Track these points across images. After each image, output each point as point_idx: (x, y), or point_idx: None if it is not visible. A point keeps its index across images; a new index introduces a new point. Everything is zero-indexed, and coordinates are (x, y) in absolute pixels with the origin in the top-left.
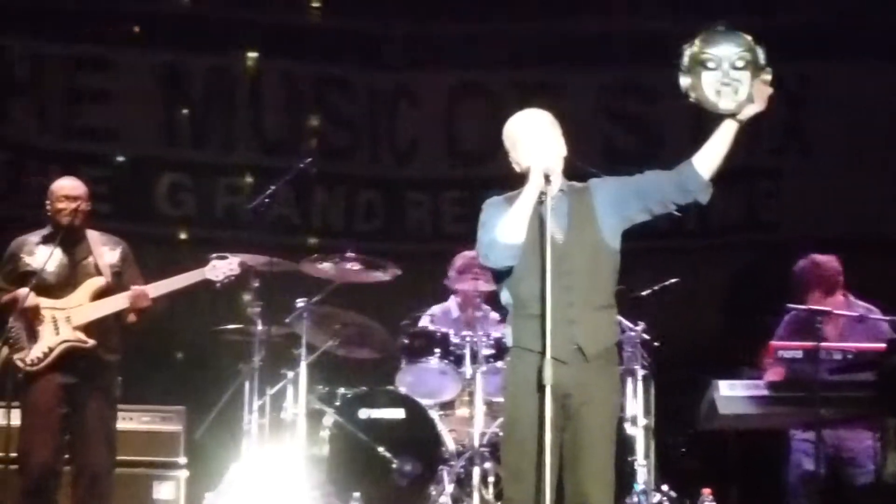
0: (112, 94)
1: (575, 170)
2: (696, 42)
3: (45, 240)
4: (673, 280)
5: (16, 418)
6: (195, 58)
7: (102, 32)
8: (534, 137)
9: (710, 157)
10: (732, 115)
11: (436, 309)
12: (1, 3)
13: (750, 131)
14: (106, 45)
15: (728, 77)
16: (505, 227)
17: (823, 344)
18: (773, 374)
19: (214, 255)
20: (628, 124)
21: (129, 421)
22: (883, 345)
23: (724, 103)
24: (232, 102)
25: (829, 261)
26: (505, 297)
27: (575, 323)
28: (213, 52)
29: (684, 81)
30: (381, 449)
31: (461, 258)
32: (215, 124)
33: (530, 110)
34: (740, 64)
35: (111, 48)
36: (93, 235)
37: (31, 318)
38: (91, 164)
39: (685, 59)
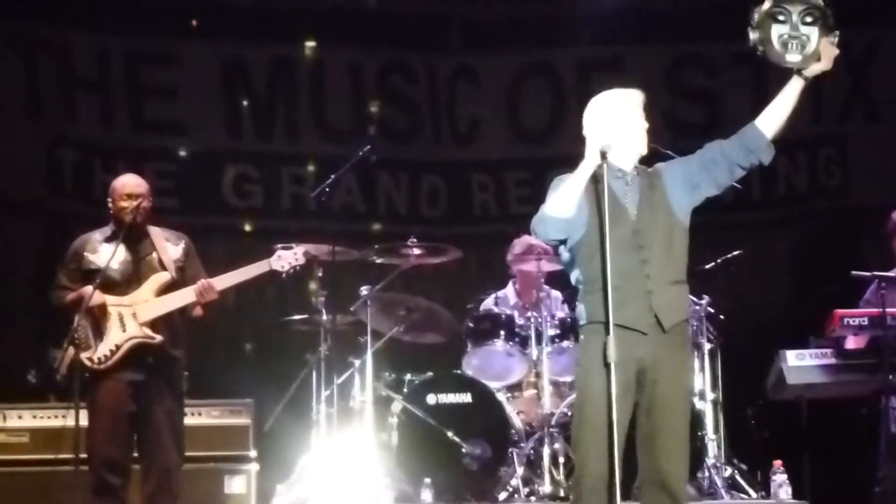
0: (177, 88)
1: (651, 150)
2: (767, 1)
3: (108, 238)
4: (736, 252)
5: (83, 419)
6: (258, 49)
7: (166, 26)
8: (609, 116)
9: (774, 117)
10: (798, 72)
11: (499, 293)
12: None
13: (812, 98)
14: (170, 39)
15: (797, 30)
16: (554, 200)
17: (889, 310)
18: (854, 341)
19: (280, 245)
20: (692, 98)
21: (198, 416)
22: None
23: (791, 56)
24: (295, 92)
25: None
26: (575, 275)
27: (653, 294)
28: (274, 42)
29: (753, 36)
30: (449, 434)
31: (519, 243)
32: (279, 114)
33: (620, 89)
34: (809, 19)
35: (175, 42)
36: (155, 231)
37: (98, 316)
38: (157, 159)
39: (756, 16)
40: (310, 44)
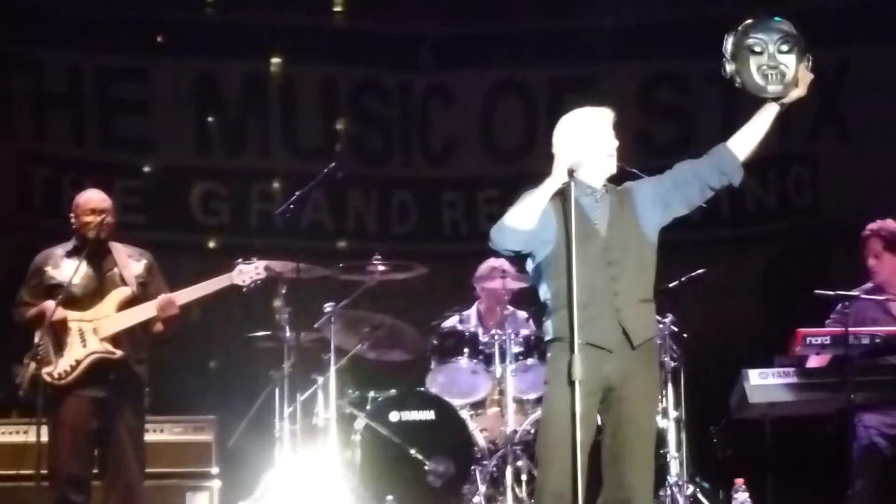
0: (147, 105)
1: (619, 169)
2: (740, 28)
3: (70, 253)
4: (700, 271)
5: (45, 435)
6: (229, 65)
7: (137, 43)
8: (579, 134)
9: (747, 140)
10: (776, 99)
11: (463, 312)
12: (36, 16)
13: (781, 117)
14: (140, 56)
15: (775, 60)
16: (515, 212)
17: (852, 329)
18: (816, 360)
19: (240, 259)
20: (665, 116)
21: (161, 432)
22: None
23: (772, 87)
24: (265, 109)
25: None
26: (543, 291)
27: (621, 311)
28: (245, 59)
29: (730, 67)
30: (413, 451)
31: (485, 265)
32: (249, 131)
33: (591, 107)
34: (785, 48)
35: (145, 58)
36: (117, 247)
37: (59, 332)
38: (127, 176)
39: (730, 46)
40: (280, 61)
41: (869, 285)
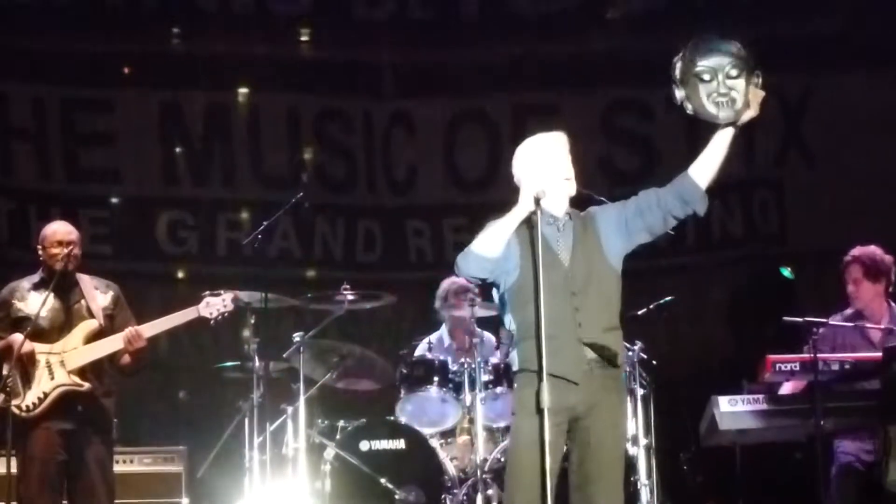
0: (112, 136)
1: (577, 195)
2: (687, 53)
3: (37, 285)
4: (668, 298)
5: (15, 467)
6: (193, 95)
7: (100, 75)
8: (539, 160)
9: (706, 166)
10: (731, 123)
11: (432, 337)
12: (1, 49)
13: (745, 142)
14: (104, 87)
15: (725, 87)
16: (482, 239)
17: (821, 355)
18: (790, 386)
19: (208, 292)
20: (627, 143)
21: (130, 463)
22: (879, 354)
23: (724, 114)
24: (231, 138)
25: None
26: (508, 320)
27: (585, 343)
28: (210, 88)
29: (679, 94)
30: (383, 480)
31: (449, 289)
32: (215, 161)
33: (549, 133)
34: (734, 73)
35: (110, 89)
36: (84, 279)
37: (26, 364)
38: (92, 206)
39: (678, 72)
40: (245, 90)
41: (849, 311)
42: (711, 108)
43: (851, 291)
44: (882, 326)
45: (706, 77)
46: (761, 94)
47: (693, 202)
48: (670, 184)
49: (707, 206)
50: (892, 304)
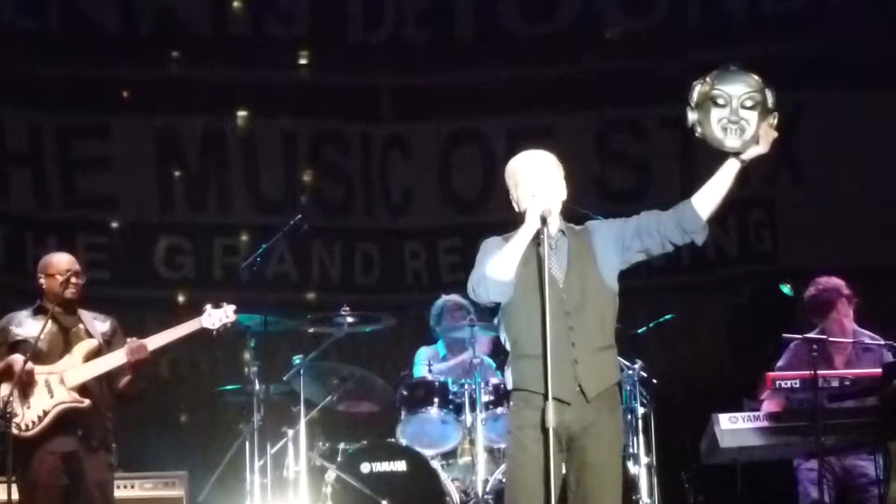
0: (108, 161)
1: (572, 213)
2: (708, 79)
3: (35, 312)
4: (668, 316)
5: (16, 493)
6: (190, 120)
7: (96, 100)
8: (535, 178)
9: (710, 198)
10: (736, 154)
11: (427, 352)
12: None
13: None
14: (100, 113)
15: (736, 115)
16: (496, 263)
17: (821, 372)
18: (771, 404)
19: (210, 303)
20: (621, 164)
21: (132, 488)
22: (879, 370)
23: (730, 141)
24: (227, 163)
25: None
26: (503, 338)
27: (578, 363)
28: (206, 113)
29: (692, 116)
30: (384, 502)
31: (441, 301)
32: (212, 185)
33: (534, 151)
34: (749, 104)
35: (106, 115)
36: (83, 311)
37: (25, 384)
38: (89, 232)
39: (695, 95)
40: (242, 114)
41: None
42: (719, 133)
43: (840, 326)
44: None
45: (720, 101)
46: (774, 133)
47: (692, 232)
48: (672, 209)
49: (706, 236)
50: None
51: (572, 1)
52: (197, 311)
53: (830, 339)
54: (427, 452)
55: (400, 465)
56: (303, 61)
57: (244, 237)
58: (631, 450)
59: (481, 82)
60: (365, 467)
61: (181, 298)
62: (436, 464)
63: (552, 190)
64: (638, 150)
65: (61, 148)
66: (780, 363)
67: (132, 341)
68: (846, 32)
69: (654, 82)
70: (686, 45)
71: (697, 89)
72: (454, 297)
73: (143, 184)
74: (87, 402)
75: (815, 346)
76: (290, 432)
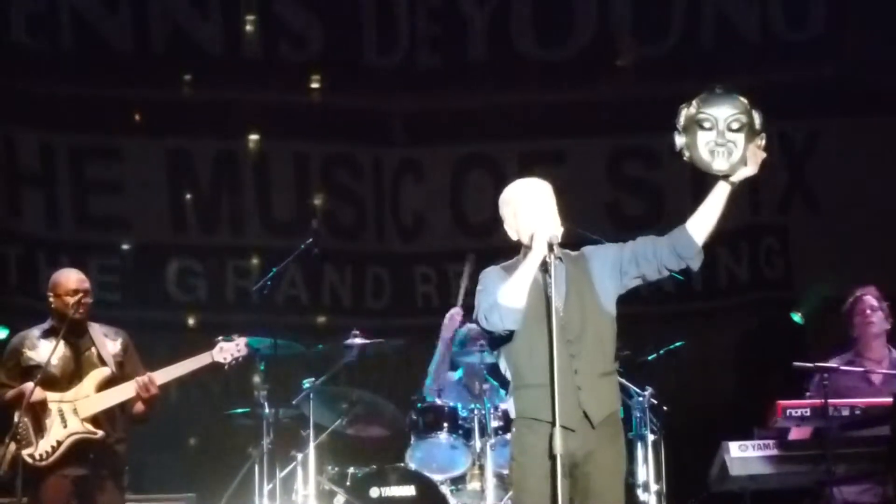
0: (121, 183)
1: (579, 237)
2: (694, 102)
3: (47, 333)
4: (678, 343)
5: None
6: (202, 142)
7: (109, 121)
8: (537, 206)
9: (703, 222)
10: (725, 177)
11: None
12: (9, 95)
13: (751, 189)
14: (113, 134)
15: (723, 138)
16: (508, 291)
17: (831, 401)
18: (797, 432)
19: (221, 337)
20: (633, 190)
21: None
22: (889, 399)
23: (718, 164)
24: (239, 185)
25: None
26: (503, 367)
27: (581, 390)
28: (219, 135)
29: (679, 140)
30: None
31: (466, 329)
32: (224, 208)
33: (531, 179)
34: (735, 126)
35: (119, 137)
36: (94, 327)
37: (38, 413)
38: (101, 254)
39: (682, 119)
40: (254, 137)
41: (848, 354)
42: (706, 156)
43: (862, 322)
44: (884, 370)
45: (706, 125)
46: (762, 154)
47: (688, 258)
48: (668, 235)
49: (702, 261)
50: (892, 348)
51: (585, 26)
52: (208, 334)
53: (842, 367)
54: (436, 477)
55: (409, 490)
56: (315, 84)
57: (255, 260)
58: (641, 477)
59: (494, 107)
60: (374, 492)
61: (192, 321)
62: (445, 489)
63: (555, 217)
64: (650, 177)
65: (74, 169)
66: (810, 392)
67: (141, 378)
68: (860, 60)
69: (667, 108)
70: (699, 72)
71: (684, 113)
72: (475, 326)
73: (155, 206)
74: (100, 433)
75: (826, 376)
76: (300, 456)
